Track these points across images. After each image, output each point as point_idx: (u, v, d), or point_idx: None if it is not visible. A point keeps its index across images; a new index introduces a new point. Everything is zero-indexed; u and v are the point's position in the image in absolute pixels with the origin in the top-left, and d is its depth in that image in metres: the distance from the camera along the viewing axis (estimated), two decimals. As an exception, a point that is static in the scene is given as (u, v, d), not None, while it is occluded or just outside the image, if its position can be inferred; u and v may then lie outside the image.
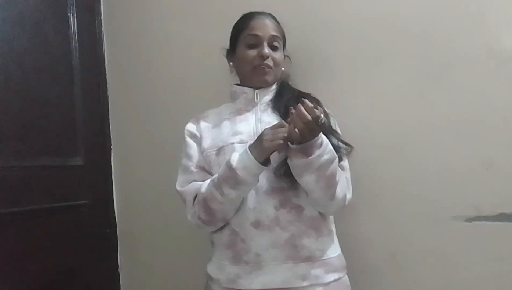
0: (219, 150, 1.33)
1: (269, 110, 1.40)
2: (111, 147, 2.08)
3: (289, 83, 1.47)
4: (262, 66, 1.37)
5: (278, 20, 1.44)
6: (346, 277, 1.35)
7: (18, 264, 1.69)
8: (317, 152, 1.15)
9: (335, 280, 1.29)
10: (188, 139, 1.43)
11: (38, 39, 1.84)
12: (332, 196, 1.23)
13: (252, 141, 1.23)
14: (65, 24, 1.95)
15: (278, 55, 1.40)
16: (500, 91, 1.35)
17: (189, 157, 1.40)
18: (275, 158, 1.24)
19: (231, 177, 1.21)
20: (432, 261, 1.44)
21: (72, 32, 1.97)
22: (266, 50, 1.37)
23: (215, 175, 1.28)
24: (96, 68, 2.06)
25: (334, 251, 1.33)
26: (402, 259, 1.48)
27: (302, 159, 1.16)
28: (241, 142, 1.31)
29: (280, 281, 1.25)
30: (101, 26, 2.09)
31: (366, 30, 1.52)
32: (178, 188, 1.38)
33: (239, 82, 1.48)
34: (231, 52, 1.47)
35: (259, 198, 1.26)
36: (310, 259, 1.27)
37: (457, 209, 1.40)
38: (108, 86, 2.09)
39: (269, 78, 1.40)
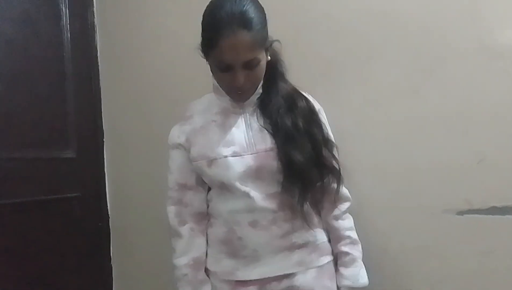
0: (211, 162, 1.27)
1: (258, 113, 1.32)
2: (104, 139, 2.07)
3: (280, 67, 1.35)
4: (238, 92, 1.25)
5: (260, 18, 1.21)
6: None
7: (9, 257, 1.69)
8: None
9: (328, 263, 1.35)
10: (171, 152, 1.37)
11: (29, 29, 1.82)
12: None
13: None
14: (57, 15, 1.93)
15: (257, 70, 1.23)
16: (492, 86, 1.35)
17: (170, 171, 1.37)
18: (267, 169, 1.26)
19: None
20: (424, 254, 1.44)
21: (64, 23, 1.95)
22: (240, 78, 1.20)
23: None
24: (88, 60, 2.05)
25: (324, 236, 1.37)
26: (394, 253, 1.49)
27: None
28: (234, 154, 1.26)
29: (277, 269, 1.29)
30: (94, 17, 2.07)
31: (360, 25, 1.51)
32: (167, 207, 1.39)
33: None
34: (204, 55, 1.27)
35: (257, 205, 1.26)
36: (304, 245, 1.31)
37: (449, 203, 1.40)
38: (100, 78, 2.07)
39: (246, 97, 1.30)
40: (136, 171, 1.97)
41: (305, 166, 1.25)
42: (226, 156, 1.26)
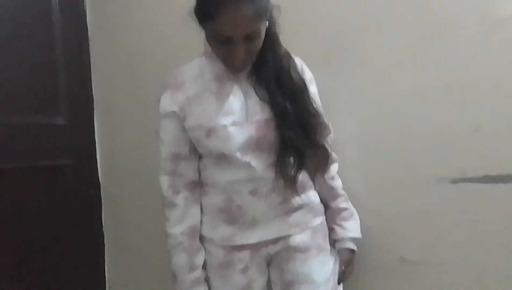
0: (209, 132, 1.22)
1: (254, 79, 1.27)
2: (94, 106, 2.04)
3: (274, 30, 1.25)
4: (237, 63, 1.18)
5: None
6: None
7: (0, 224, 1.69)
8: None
9: (321, 223, 1.39)
10: (162, 121, 1.28)
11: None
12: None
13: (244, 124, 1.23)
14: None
15: (256, 42, 1.16)
16: (490, 55, 1.32)
17: (162, 141, 1.30)
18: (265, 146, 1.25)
19: None
20: (417, 222, 1.44)
21: (53, -12, 1.91)
22: (240, 52, 1.14)
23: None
24: (77, 26, 2.02)
25: (317, 198, 1.41)
26: (387, 220, 1.49)
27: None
28: (234, 124, 1.22)
29: (275, 233, 1.32)
30: (83, -19, 2.02)
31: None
32: (160, 177, 1.33)
33: None
34: (199, 23, 1.18)
35: (258, 174, 1.26)
36: (300, 208, 1.34)
37: (443, 171, 1.39)
38: (90, 44, 2.05)
39: (244, 68, 1.24)
40: (127, 138, 1.96)
41: (297, 143, 1.25)
42: (225, 125, 1.22)
